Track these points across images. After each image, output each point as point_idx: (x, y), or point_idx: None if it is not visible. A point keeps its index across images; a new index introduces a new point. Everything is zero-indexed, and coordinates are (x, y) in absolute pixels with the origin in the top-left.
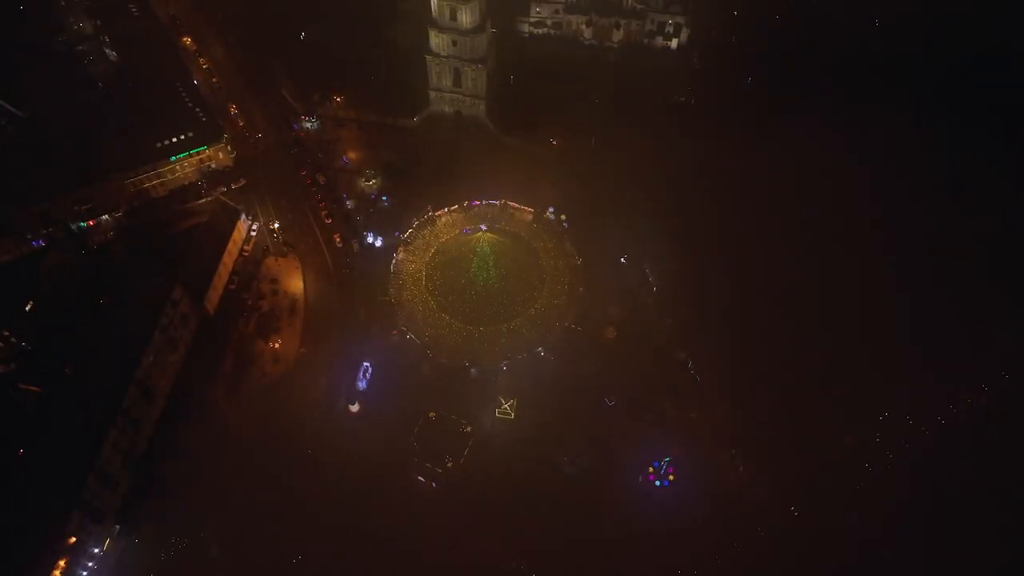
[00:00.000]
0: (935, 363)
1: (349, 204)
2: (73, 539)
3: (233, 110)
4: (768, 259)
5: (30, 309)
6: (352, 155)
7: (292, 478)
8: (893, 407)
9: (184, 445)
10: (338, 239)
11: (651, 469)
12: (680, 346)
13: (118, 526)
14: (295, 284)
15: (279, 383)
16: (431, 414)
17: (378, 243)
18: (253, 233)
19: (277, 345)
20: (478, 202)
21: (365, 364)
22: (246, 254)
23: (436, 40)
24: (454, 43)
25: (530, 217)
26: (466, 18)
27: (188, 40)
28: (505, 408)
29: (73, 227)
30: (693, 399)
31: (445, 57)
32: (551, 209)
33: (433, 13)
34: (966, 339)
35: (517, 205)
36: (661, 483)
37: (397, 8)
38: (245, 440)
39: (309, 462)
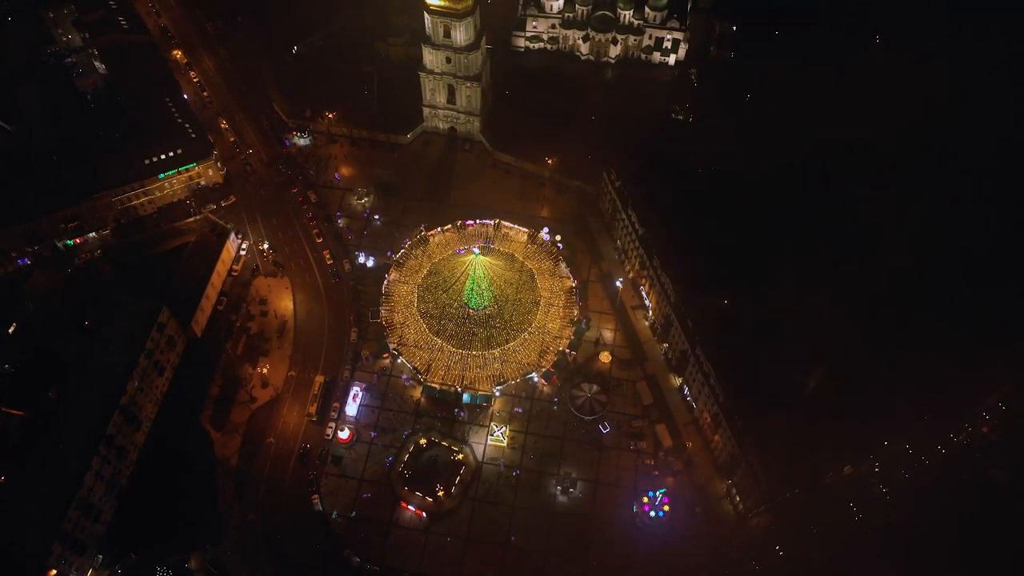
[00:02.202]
0: (936, 393)
1: (341, 222)
2: (54, 572)
3: (223, 125)
4: (767, 284)
5: (13, 331)
6: (344, 172)
7: (280, 505)
8: (893, 436)
9: (170, 471)
10: (329, 258)
11: (646, 499)
12: (676, 372)
13: (101, 556)
14: (285, 305)
15: (268, 407)
16: (422, 441)
17: (370, 263)
18: (243, 252)
19: (265, 370)
20: (472, 222)
21: (355, 389)
22: (235, 274)
23: (430, 57)
24: (448, 60)
25: (524, 238)
26: (460, 36)
27: (179, 53)
28: (497, 435)
29: (59, 245)
30: (690, 427)
31: (439, 74)
32: (546, 230)
33: (427, 30)
34: (967, 369)
35: (511, 225)
36: (656, 513)
37: (390, 22)
38: (232, 466)
39: (298, 488)
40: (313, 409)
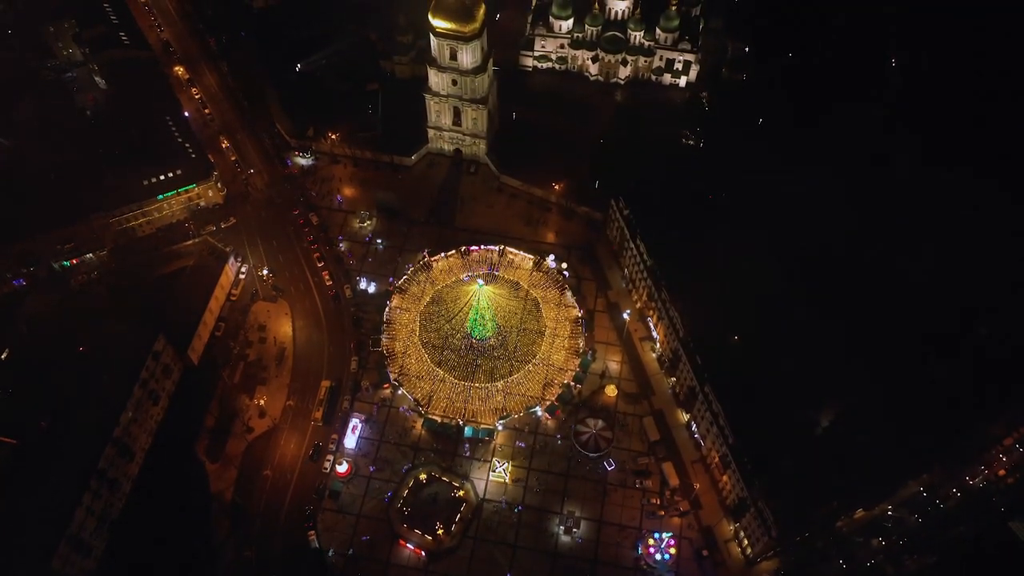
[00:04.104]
0: (951, 434)
1: (342, 246)
2: None
3: (224, 144)
4: (779, 319)
5: (5, 357)
6: (347, 193)
7: (276, 541)
8: (907, 479)
9: (164, 505)
10: (330, 283)
11: (651, 540)
12: (684, 408)
13: None
14: (284, 331)
15: (265, 438)
16: (422, 476)
17: (371, 289)
18: (242, 276)
19: (262, 402)
20: (476, 248)
21: (354, 420)
22: (233, 299)
23: (435, 79)
24: (454, 82)
25: (530, 264)
26: (467, 58)
27: (180, 69)
28: (499, 471)
29: (56, 266)
30: (697, 465)
31: (444, 96)
32: (552, 257)
33: (432, 52)
34: (983, 410)
35: (516, 252)
36: (661, 556)
37: (396, 41)
38: (228, 500)
39: (295, 524)
40: (319, 414)
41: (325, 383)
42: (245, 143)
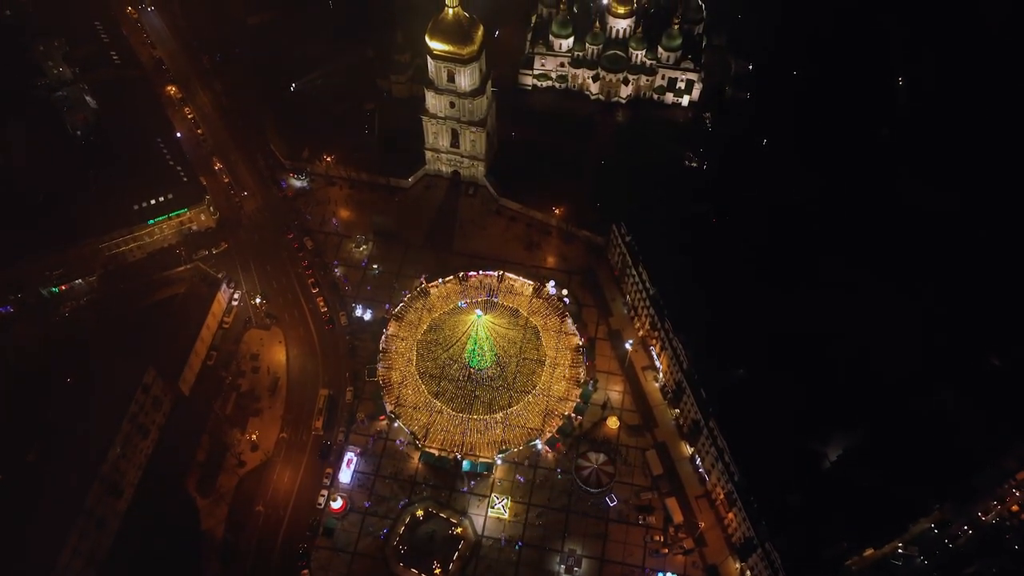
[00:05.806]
0: (961, 469)
1: (338, 271)
2: None
3: (217, 166)
4: (784, 352)
5: None
6: (342, 216)
7: None
8: (917, 516)
9: (153, 543)
10: (325, 310)
11: None
12: (688, 441)
13: None
14: (278, 360)
15: (257, 472)
16: (419, 512)
17: (367, 316)
18: (235, 303)
19: (254, 436)
20: (475, 273)
21: (350, 454)
22: (226, 326)
23: (433, 101)
24: (452, 105)
25: (529, 291)
26: (465, 81)
27: (173, 89)
28: (498, 507)
29: (44, 292)
30: (702, 500)
31: (442, 118)
32: (552, 283)
33: (430, 74)
34: (992, 444)
35: (516, 277)
36: None
37: (393, 60)
38: (219, 537)
39: (288, 561)
40: (319, 423)
41: (323, 391)
42: (239, 164)
